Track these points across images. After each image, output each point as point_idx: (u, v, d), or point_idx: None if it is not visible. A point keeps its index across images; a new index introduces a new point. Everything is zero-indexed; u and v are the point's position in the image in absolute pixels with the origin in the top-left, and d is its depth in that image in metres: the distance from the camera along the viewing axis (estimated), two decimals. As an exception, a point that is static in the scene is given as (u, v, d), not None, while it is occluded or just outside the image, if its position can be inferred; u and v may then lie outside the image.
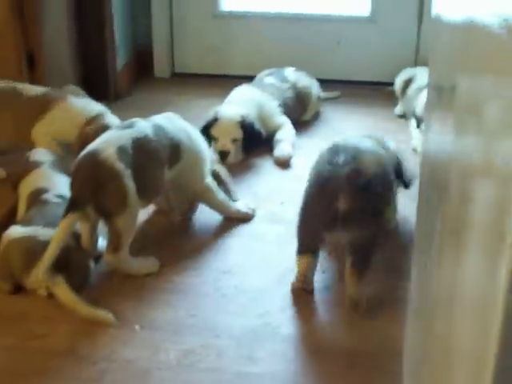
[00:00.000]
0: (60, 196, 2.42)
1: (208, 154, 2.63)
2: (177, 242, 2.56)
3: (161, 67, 4.16)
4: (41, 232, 2.26)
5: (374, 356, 2.03)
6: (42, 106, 2.90)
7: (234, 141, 3.16)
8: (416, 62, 3.88)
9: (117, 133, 2.38)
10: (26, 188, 2.50)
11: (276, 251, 2.52)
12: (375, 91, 3.85)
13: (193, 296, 2.28)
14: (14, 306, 2.22)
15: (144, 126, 2.39)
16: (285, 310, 2.22)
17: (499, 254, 0.70)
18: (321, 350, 2.06)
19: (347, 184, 2.14)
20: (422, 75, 3.46)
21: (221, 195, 2.63)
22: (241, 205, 2.71)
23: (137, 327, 2.14)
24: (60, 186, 2.47)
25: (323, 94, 3.70)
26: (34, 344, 2.07)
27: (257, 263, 2.45)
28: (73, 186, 2.28)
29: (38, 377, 1.96)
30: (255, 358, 2.02)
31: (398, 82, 3.61)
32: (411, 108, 3.36)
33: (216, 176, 2.65)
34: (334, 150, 2.27)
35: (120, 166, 2.25)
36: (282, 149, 3.20)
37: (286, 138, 3.28)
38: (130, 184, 2.27)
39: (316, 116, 3.64)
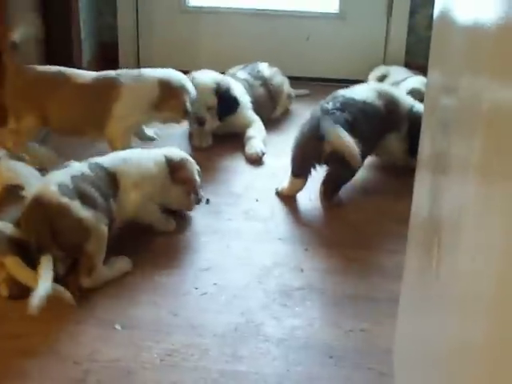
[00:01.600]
0: None
1: (154, 175, 2.53)
2: (154, 241, 2.52)
3: (126, 62, 4.09)
4: (9, 227, 2.23)
5: (358, 354, 2.03)
6: (100, 99, 2.87)
7: (209, 108, 3.17)
8: (384, 60, 3.90)
9: (54, 173, 2.34)
10: None
11: (254, 248, 2.50)
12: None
13: (173, 295, 2.25)
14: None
15: (79, 165, 2.38)
16: (266, 307, 2.21)
17: None
18: (304, 349, 2.05)
19: (331, 135, 2.67)
20: (395, 72, 3.49)
21: (157, 214, 2.56)
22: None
23: (118, 327, 2.10)
24: (32, 182, 2.46)
25: (293, 92, 3.69)
26: (13, 344, 2.02)
27: (235, 261, 2.44)
28: (30, 234, 2.21)
29: (20, 378, 1.91)
30: (239, 357, 2.01)
31: (372, 77, 3.63)
32: None
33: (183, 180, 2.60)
34: (329, 98, 2.86)
35: (65, 199, 2.21)
36: (253, 146, 3.19)
37: (256, 135, 3.26)
38: (83, 212, 2.22)
39: (285, 114, 3.63)
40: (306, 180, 2.82)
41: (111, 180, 2.40)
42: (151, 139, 3.17)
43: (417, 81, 3.33)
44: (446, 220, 1.20)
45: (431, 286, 1.30)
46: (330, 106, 2.80)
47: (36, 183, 2.43)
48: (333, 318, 2.17)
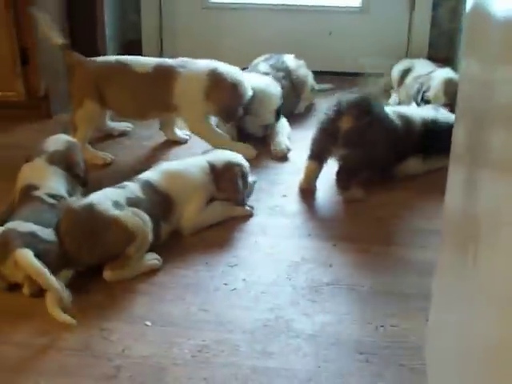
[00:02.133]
0: (53, 196, 2.41)
1: (206, 186, 2.59)
2: (182, 238, 2.53)
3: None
4: (22, 225, 2.24)
5: (389, 350, 2.02)
6: (159, 87, 2.98)
7: (272, 112, 3.23)
8: (408, 53, 3.89)
9: (110, 190, 2.40)
10: (19, 180, 2.49)
11: (282, 244, 2.51)
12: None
13: (203, 291, 2.26)
14: (23, 303, 2.18)
15: (133, 187, 2.42)
16: (295, 303, 2.21)
17: None
18: (335, 345, 2.04)
19: (350, 108, 2.69)
20: (419, 65, 3.48)
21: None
22: None
23: (148, 323, 2.11)
24: (52, 184, 2.47)
25: (317, 86, 3.68)
26: (45, 341, 2.03)
27: (264, 256, 2.44)
28: (69, 245, 2.25)
29: (52, 374, 1.92)
30: (270, 353, 2.01)
31: (396, 71, 3.62)
32: (410, 94, 3.37)
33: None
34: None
35: (116, 212, 2.27)
36: (279, 143, 3.19)
37: (281, 131, 3.26)
38: (132, 219, 2.28)
39: (309, 108, 3.63)
40: (322, 166, 2.82)
41: (165, 201, 2.46)
42: (182, 140, 3.23)
43: (449, 71, 3.31)
44: (483, 217, 1.19)
45: (467, 283, 1.29)
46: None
47: (60, 190, 2.44)
48: (363, 314, 2.16)
